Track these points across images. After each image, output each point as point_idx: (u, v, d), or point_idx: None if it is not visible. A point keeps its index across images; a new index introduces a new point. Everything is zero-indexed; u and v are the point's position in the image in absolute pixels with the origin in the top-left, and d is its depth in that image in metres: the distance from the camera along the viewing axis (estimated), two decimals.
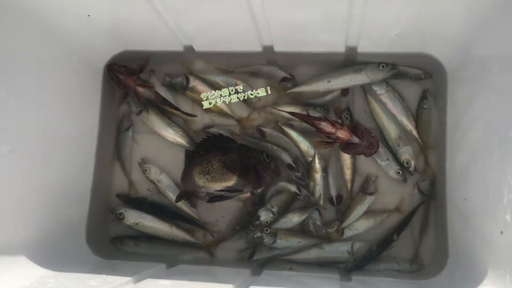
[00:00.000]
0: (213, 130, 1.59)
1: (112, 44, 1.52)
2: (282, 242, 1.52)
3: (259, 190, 1.52)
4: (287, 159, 1.55)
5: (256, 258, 1.53)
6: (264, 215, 1.52)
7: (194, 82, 1.60)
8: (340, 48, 1.46)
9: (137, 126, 1.64)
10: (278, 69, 1.59)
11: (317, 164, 1.53)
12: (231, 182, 1.42)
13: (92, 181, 1.54)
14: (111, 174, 1.65)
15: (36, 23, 1.24)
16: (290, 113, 1.47)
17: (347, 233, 1.53)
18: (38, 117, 1.29)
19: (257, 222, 1.51)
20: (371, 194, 1.52)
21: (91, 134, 1.55)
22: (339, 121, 1.42)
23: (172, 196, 1.57)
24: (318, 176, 1.53)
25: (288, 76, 1.59)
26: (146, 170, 1.59)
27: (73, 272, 1.24)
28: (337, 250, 1.52)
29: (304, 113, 1.54)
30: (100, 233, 1.57)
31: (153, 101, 1.55)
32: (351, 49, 1.46)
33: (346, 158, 1.54)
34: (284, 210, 1.55)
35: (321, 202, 1.54)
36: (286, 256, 1.54)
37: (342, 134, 1.38)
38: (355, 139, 1.38)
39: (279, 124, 1.58)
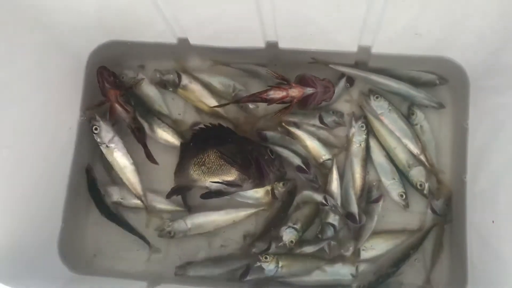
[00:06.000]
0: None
1: (97, 32, 1.37)
2: (284, 271, 1.35)
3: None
4: (296, 160, 1.40)
5: (250, 278, 1.36)
6: (287, 234, 1.36)
7: (186, 81, 1.48)
8: (352, 47, 1.34)
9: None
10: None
11: (335, 175, 1.40)
12: (229, 175, 1.31)
13: (67, 184, 1.39)
14: None
15: (9, 2, 1.10)
16: (235, 101, 1.38)
17: (364, 254, 1.39)
18: (8, 112, 1.13)
19: (280, 243, 1.36)
20: (377, 201, 1.39)
21: (69, 131, 1.40)
22: (284, 82, 1.31)
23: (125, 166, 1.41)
24: (335, 188, 1.40)
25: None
26: (96, 129, 1.38)
27: None
28: (340, 272, 1.37)
29: (317, 116, 1.43)
30: (75, 245, 1.42)
31: (126, 125, 1.41)
32: (364, 49, 1.35)
33: (355, 169, 1.42)
34: (308, 225, 1.40)
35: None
36: (283, 278, 1.38)
37: (295, 91, 1.29)
38: (309, 90, 1.29)
39: (284, 124, 1.45)
